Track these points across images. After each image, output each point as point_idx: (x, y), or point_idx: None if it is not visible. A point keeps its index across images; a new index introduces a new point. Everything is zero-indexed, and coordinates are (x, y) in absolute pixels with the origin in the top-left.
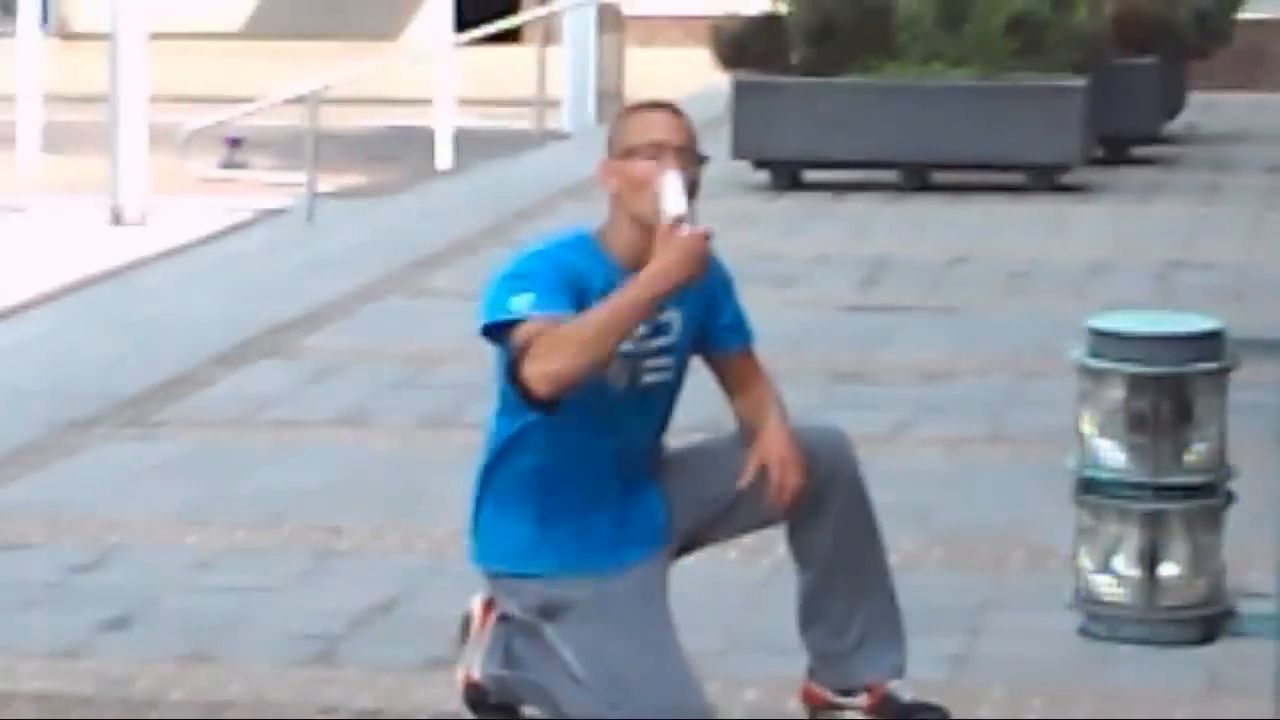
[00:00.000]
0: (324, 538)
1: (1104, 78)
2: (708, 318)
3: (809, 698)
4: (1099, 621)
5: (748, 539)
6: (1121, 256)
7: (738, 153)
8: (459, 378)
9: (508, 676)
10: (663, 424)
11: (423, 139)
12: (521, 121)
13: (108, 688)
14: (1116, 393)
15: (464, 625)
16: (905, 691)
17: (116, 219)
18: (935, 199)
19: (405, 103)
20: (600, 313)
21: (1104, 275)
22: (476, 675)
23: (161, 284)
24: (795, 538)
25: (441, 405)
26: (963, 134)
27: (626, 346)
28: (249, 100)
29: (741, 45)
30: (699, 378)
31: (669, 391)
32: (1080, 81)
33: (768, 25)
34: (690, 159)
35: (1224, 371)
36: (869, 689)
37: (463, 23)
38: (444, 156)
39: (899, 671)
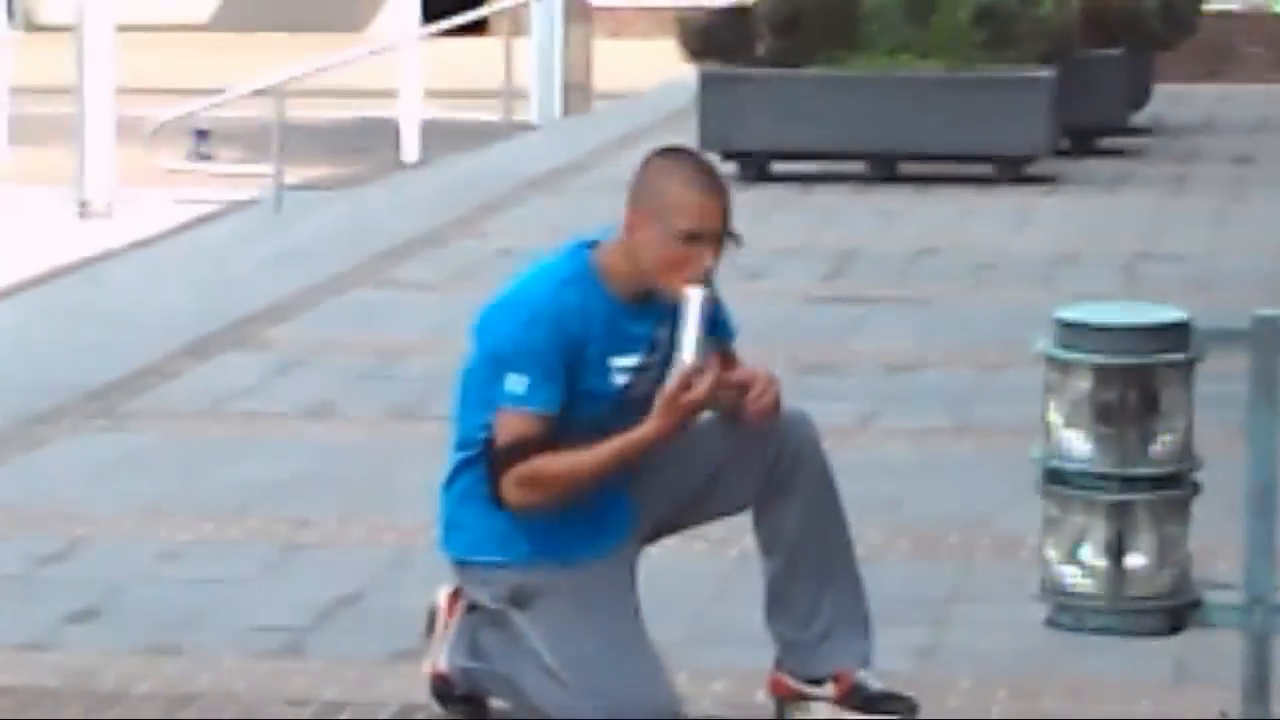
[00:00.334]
0: (291, 530)
1: (1070, 69)
2: None
3: (777, 688)
4: (1066, 612)
5: (716, 530)
6: (1088, 247)
7: (705, 144)
8: (426, 369)
9: (474, 668)
10: (643, 418)
11: (390, 131)
12: (489, 113)
13: (73, 680)
14: (1083, 384)
15: (430, 617)
16: (873, 680)
17: (83, 211)
18: (902, 190)
19: (372, 94)
20: (586, 463)
21: (1071, 266)
22: (443, 667)
23: (128, 276)
24: (762, 521)
25: (409, 397)
26: (930, 125)
27: (622, 379)
28: (216, 92)
29: (708, 37)
30: None
31: (653, 393)
32: (1047, 73)
33: (735, 17)
34: (723, 243)
35: (1191, 363)
36: (837, 678)
37: (429, 14)
38: (411, 148)
39: (866, 660)
